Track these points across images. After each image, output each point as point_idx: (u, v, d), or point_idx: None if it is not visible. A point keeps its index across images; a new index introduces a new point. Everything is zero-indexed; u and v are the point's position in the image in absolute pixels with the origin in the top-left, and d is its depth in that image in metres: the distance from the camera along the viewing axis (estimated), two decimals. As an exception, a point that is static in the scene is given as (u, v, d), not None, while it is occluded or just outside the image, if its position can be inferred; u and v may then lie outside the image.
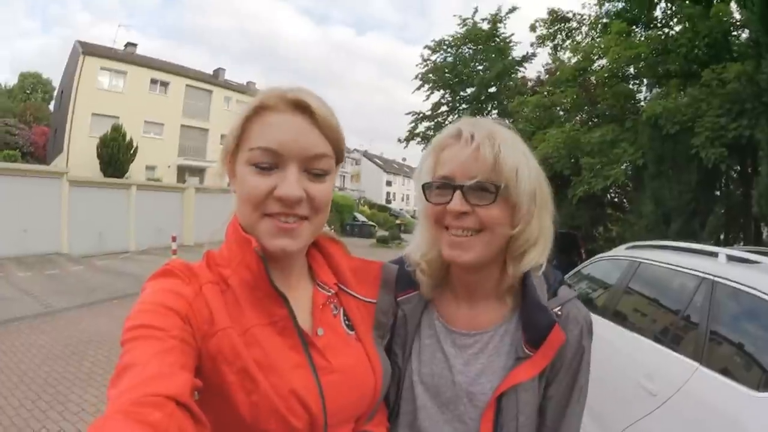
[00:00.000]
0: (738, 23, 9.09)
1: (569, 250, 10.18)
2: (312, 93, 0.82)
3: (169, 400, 0.56)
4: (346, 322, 0.92)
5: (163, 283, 0.77)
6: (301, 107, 0.79)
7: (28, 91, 41.47)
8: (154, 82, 29.17)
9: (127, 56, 28.79)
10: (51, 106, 37.24)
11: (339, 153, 0.85)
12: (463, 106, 18.80)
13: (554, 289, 0.96)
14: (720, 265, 2.65)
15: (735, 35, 9.42)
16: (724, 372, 2.21)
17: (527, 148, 0.95)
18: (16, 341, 6.01)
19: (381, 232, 30.99)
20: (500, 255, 0.95)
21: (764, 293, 2.19)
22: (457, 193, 0.89)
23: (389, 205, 57.81)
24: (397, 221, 39.16)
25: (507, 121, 1.00)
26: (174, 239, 10.95)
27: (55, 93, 35.11)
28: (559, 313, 0.92)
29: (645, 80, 11.84)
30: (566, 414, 0.95)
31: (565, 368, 0.93)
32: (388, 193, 65.88)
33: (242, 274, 0.80)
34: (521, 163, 0.90)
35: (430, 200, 0.94)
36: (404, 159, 69.35)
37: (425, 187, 0.95)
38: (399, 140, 19.97)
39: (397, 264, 1.06)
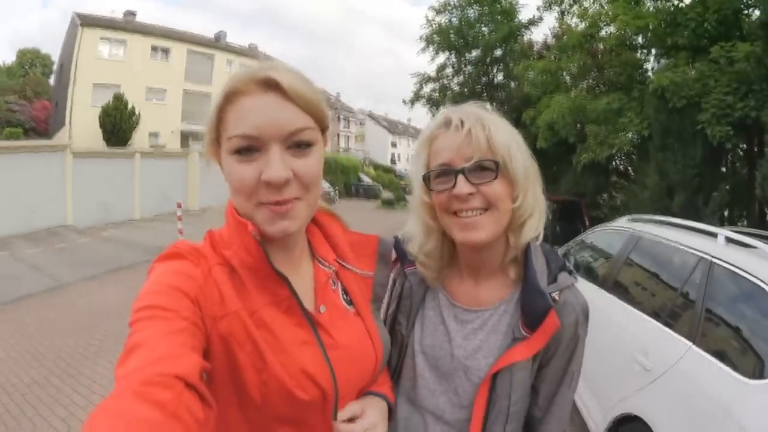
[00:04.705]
0: (749, 2, 8.80)
1: (573, 217, 10.08)
2: (283, 67, 0.79)
3: (178, 380, 0.56)
4: (345, 296, 0.94)
5: (172, 265, 0.76)
6: (272, 85, 0.76)
7: (27, 67, 40.69)
8: (154, 49, 28.77)
9: (127, 25, 28.31)
10: (51, 81, 36.64)
11: (321, 122, 0.82)
12: (468, 68, 18.38)
13: (554, 275, 0.98)
14: (719, 246, 2.64)
15: (746, 14, 9.13)
16: (717, 355, 2.21)
17: (513, 127, 0.99)
18: (27, 317, 6.07)
19: (386, 194, 30.84)
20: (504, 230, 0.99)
21: (761, 279, 2.19)
22: (460, 176, 0.92)
23: (394, 166, 57.28)
24: (402, 182, 38.56)
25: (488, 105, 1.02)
26: (179, 206, 10.80)
27: (55, 67, 34.39)
28: (557, 298, 0.94)
29: (653, 50, 11.56)
30: (558, 396, 0.99)
31: (560, 353, 0.97)
32: (392, 155, 64.82)
33: (242, 256, 0.80)
34: (512, 141, 0.95)
35: (434, 189, 0.97)
36: (409, 120, 67.95)
37: (426, 178, 0.99)
38: (404, 102, 19.53)
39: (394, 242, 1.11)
